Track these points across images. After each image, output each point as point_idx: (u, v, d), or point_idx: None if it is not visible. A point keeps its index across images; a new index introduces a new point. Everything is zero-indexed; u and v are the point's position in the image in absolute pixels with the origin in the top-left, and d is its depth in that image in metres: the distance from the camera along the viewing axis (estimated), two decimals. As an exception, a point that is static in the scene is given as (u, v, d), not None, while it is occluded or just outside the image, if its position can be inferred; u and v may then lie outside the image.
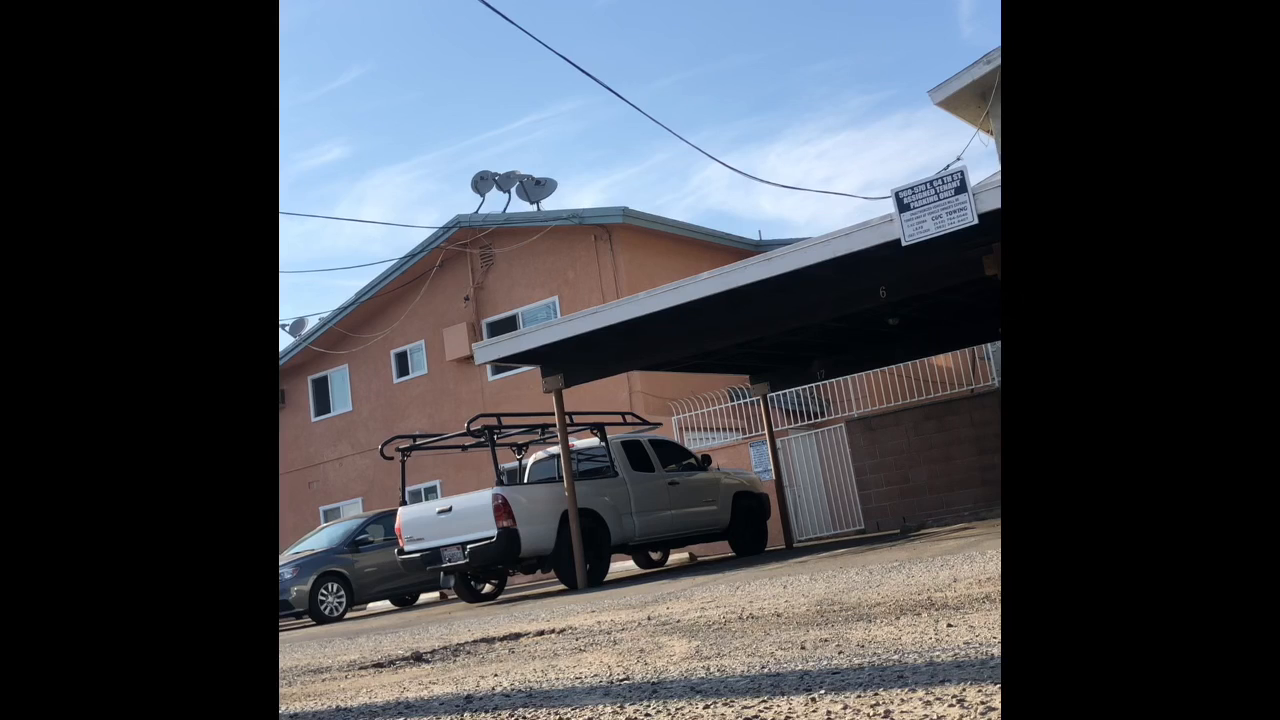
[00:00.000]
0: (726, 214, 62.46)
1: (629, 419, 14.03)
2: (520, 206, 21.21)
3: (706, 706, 3.00)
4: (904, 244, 8.75)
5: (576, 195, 72.88)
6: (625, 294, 15.89)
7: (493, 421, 12.29)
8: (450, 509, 11.61)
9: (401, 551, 11.96)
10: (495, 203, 21.38)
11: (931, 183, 8.64)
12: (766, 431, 15.07)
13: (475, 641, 6.23)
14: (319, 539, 15.17)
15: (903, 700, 2.68)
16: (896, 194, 8.76)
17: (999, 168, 12.48)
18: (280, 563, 13.94)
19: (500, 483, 11.70)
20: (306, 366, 23.93)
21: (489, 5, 9.52)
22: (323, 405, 23.91)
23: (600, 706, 3.24)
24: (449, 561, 11.39)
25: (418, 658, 5.77)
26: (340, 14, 52.91)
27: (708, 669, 3.71)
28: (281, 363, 23.28)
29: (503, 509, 11.08)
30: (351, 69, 53.51)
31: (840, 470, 15.63)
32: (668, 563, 15.01)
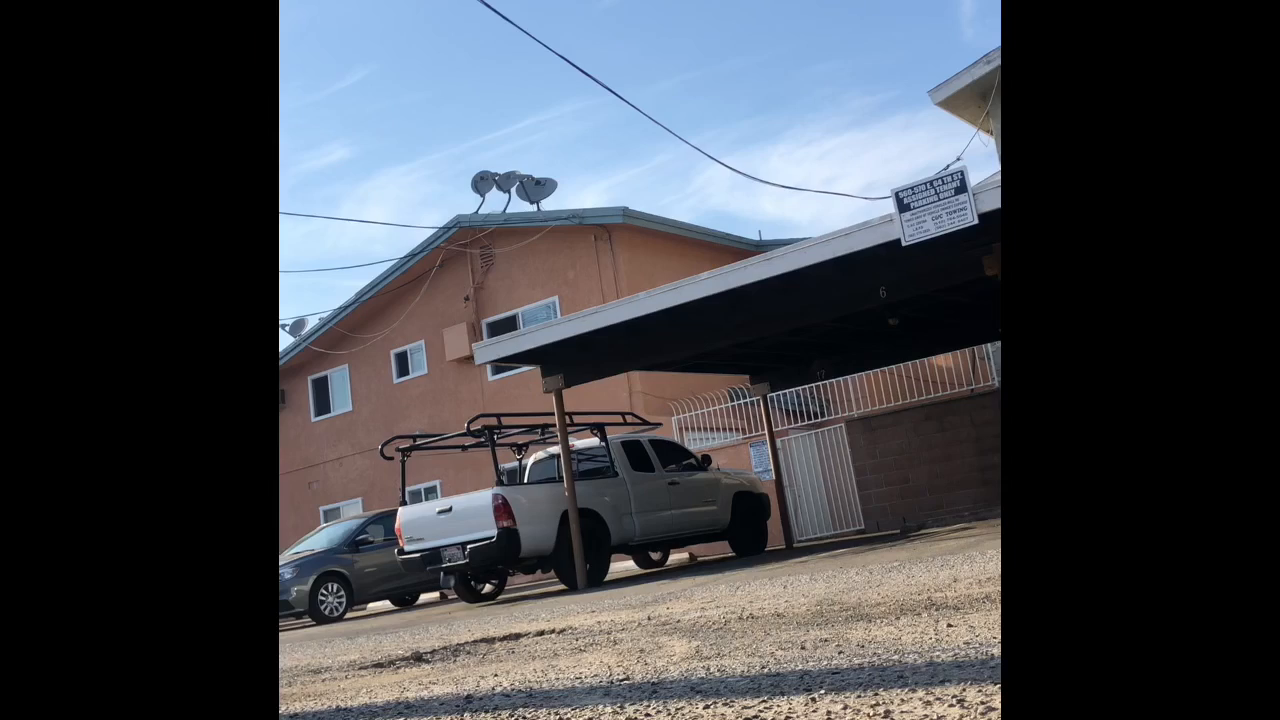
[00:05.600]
0: (728, 215, 62.51)
1: (629, 419, 14.03)
2: (520, 207, 21.23)
3: (706, 706, 3.00)
4: (904, 244, 8.74)
5: (578, 196, 72.93)
6: (625, 294, 15.88)
7: (493, 421, 12.28)
8: (450, 509, 11.61)
9: (401, 551, 11.95)
10: (495, 203, 21.40)
11: (931, 183, 8.64)
12: (766, 431, 15.06)
13: (475, 641, 6.23)
14: (319, 539, 15.17)
15: (903, 700, 2.68)
16: (896, 194, 8.76)
17: (999, 168, 12.48)
18: (280, 563, 13.93)
19: (500, 483, 11.70)
20: (306, 366, 23.92)
21: (491, 7, 9.52)
22: (323, 405, 23.90)
23: (600, 706, 3.25)
24: (449, 561, 11.38)
25: (418, 658, 5.78)
26: (344, 16, 52.93)
27: (708, 669, 3.71)
28: (281, 363, 23.27)
29: (503, 509, 11.08)
30: (355, 70, 53.54)
31: (840, 470, 15.62)
32: (668, 563, 15.00)
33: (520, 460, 13.57)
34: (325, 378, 23.84)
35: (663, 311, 10.54)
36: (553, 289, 20.26)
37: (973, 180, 8.55)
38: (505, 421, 12.66)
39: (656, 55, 53.90)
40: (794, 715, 2.72)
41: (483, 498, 11.31)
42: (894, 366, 15.37)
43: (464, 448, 13.62)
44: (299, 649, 8.27)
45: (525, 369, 17.70)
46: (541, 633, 6.19)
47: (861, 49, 54.42)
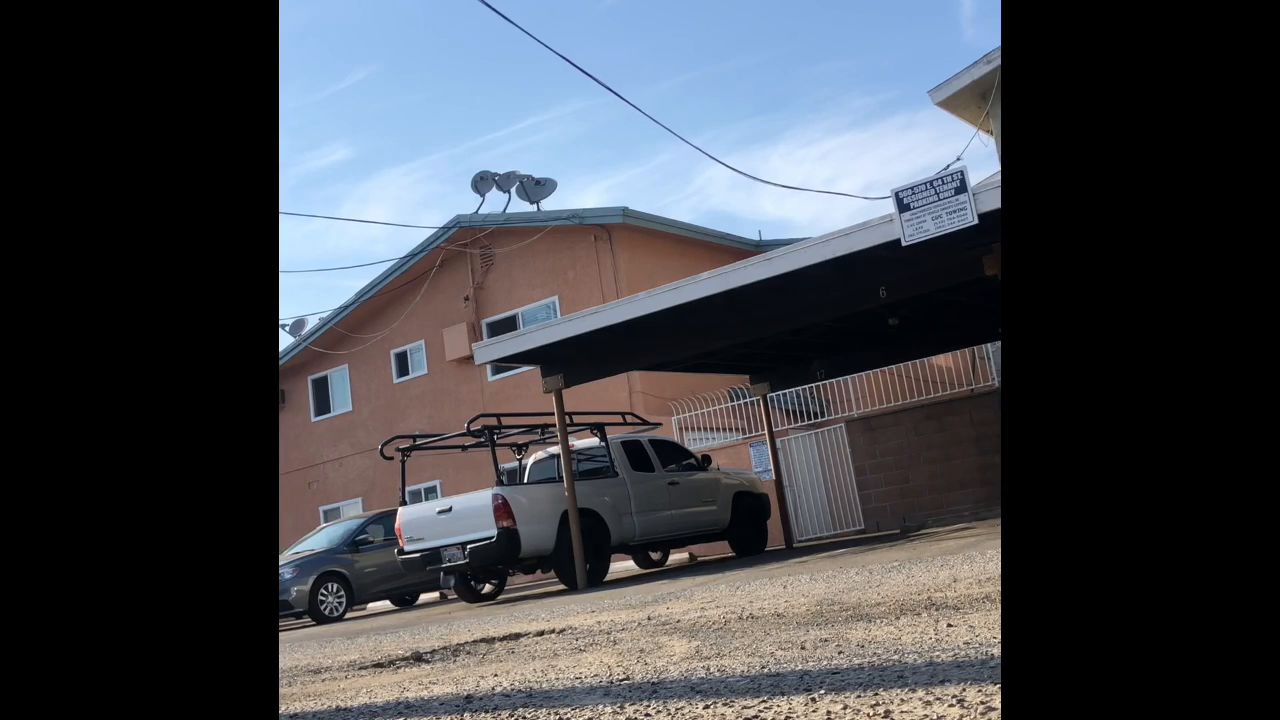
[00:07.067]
0: (729, 215, 62.49)
1: (629, 419, 14.03)
2: (520, 207, 21.23)
3: (706, 706, 3.00)
4: (904, 244, 8.74)
5: (579, 196, 72.86)
6: (625, 294, 15.88)
7: (493, 421, 12.28)
8: (450, 509, 11.61)
9: (401, 551, 11.95)
10: (495, 203, 21.40)
11: (931, 183, 8.64)
12: (766, 431, 15.06)
13: (475, 641, 6.23)
14: (319, 539, 15.17)
15: (903, 700, 2.68)
16: (896, 194, 8.76)
17: (999, 168, 12.48)
18: (280, 563, 13.93)
19: (500, 483, 11.70)
20: (306, 366, 23.92)
21: (492, 8, 9.52)
22: (323, 405, 23.90)
23: (600, 706, 3.25)
24: (449, 561, 11.38)
25: (418, 658, 5.78)
26: (344, 16, 52.94)
27: (708, 669, 3.71)
28: (281, 363, 23.26)
29: (503, 509, 11.08)
30: (357, 71, 53.55)
31: (840, 470, 15.62)
32: (668, 563, 15.00)
33: (520, 460, 13.57)
34: (325, 378, 23.84)
35: (663, 311, 10.54)
36: (553, 289, 20.26)
37: (973, 180, 8.55)
38: (505, 421, 12.66)
39: (656, 55, 53.91)
40: (794, 715, 2.73)
41: (483, 498, 11.31)
42: (894, 366, 15.37)
43: (464, 448, 13.62)
44: (299, 649, 8.27)
45: (525, 369, 17.70)
46: (541, 633, 6.19)
47: (861, 49, 54.43)
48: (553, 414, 12.14)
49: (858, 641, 3.87)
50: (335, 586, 14.02)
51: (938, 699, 2.62)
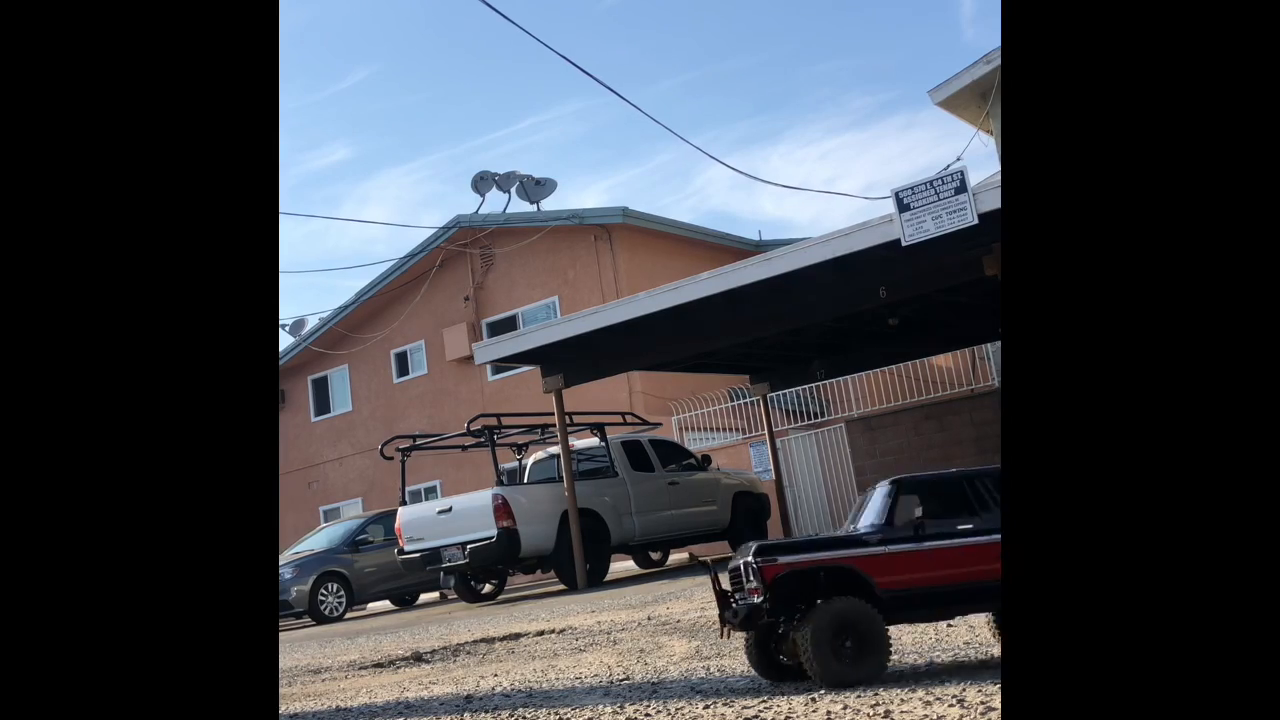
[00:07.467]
0: (729, 215, 62.39)
1: (629, 419, 14.03)
2: (520, 207, 21.21)
3: (706, 706, 3.01)
4: (904, 244, 8.73)
5: (579, 196, 72.78)
6: (625, 294, 15.86)
7: (493, 421, 12.28)
8: (450, 509, 11.61)
9: (401, 551, 11.96)
10: (495, 203, 21.39)
11: (931, 183, 8.64)
12: (766, 431, 15.06)
13: (475, 641, 6.23)
14: (319, 539, 15.16)
15: (903, 700, 2.68)
16: (896, 194, 8.75)
17: (999, 168, 12.47)
18: (280, 563, 13.92)
19: (500, 483, 11.69)
20: (306, 366, 23.91)
21: (492, 7, 9.52)
22: (323, 405, 23.89)
23: (600, 706, 3.25)
24: (449, 561, 11.38)
25: (418, 658, 5.77)
26: (344, 16, 52.91)
27: (708, 669, 3.71)
28: (281, 363, 23.25)
29: (503, 509, 11.08)
30: (357, 71, 53.48)
31: (840, 470, 15.61)
32: (668, 563, 15.00)
33: (520, 460, 13.57)
34: (325, 378, 23.83)
35: (663, 311, 10.54)
36: (553, 289, 20.25)
37: (973, 180, 8.55)
38: (505, 421, 12.66)
39: (656, 55, 53.87)
40: (794, 715, 2.73)
41: (483, 498, 11.31)
42: (894, 366, 15.37)
43: (464, 448, 13.62)
44: (299, 649, 8.27)
45: (525, 369, 17.68)
46: (541, 633, 6.18)
47: (861, 49, 54.38)
48: (553, 414, 12.14)
49: (858, 641, 3.86)
50: (335, 586, 14.01)
51: (938, 699, 2.63)
